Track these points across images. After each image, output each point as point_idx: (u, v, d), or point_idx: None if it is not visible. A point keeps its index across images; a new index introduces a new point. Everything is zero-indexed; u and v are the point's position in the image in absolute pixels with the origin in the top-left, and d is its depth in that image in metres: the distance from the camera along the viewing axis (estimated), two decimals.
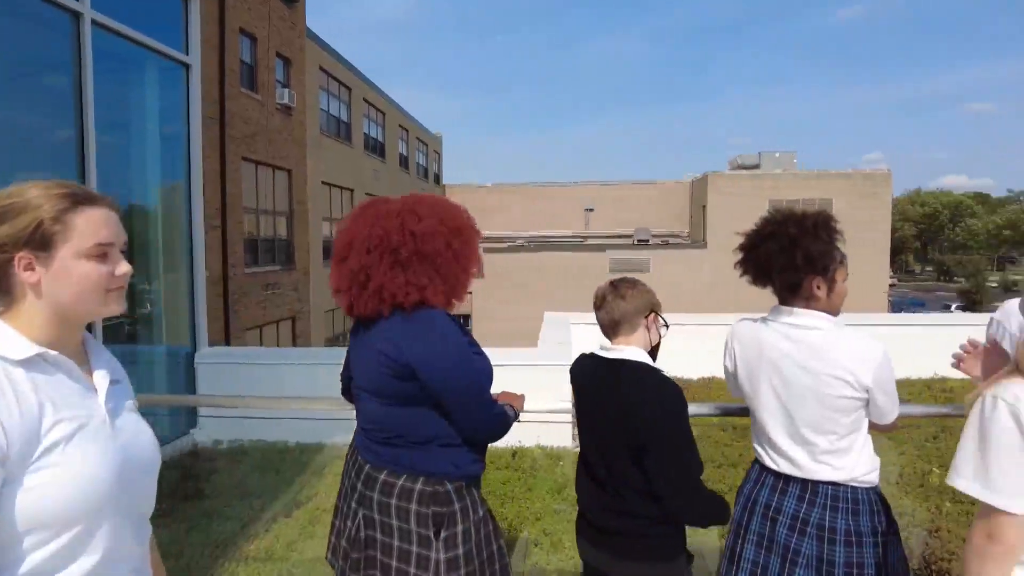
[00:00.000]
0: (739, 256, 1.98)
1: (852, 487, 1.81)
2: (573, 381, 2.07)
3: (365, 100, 22.52)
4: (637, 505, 1.88)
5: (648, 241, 28.19)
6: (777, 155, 30.64)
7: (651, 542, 1.90)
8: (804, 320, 1.86)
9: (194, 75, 6.20)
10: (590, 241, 30.10)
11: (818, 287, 1.85)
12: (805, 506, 1.83)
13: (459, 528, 1.69)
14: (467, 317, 25.19)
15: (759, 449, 1.99)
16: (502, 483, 4.74)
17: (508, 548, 3.78)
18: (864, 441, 1.85)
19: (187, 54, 6.16)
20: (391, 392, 1.69)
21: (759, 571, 1.89)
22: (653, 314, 2.00)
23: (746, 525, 1.95)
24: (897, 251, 61.86)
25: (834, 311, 1.89)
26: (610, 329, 1.98)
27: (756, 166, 30.59)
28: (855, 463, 1.82)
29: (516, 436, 5.82)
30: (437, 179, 34.07)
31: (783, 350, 1.87)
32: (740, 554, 1.94)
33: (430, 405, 1.69)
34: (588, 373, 2.00)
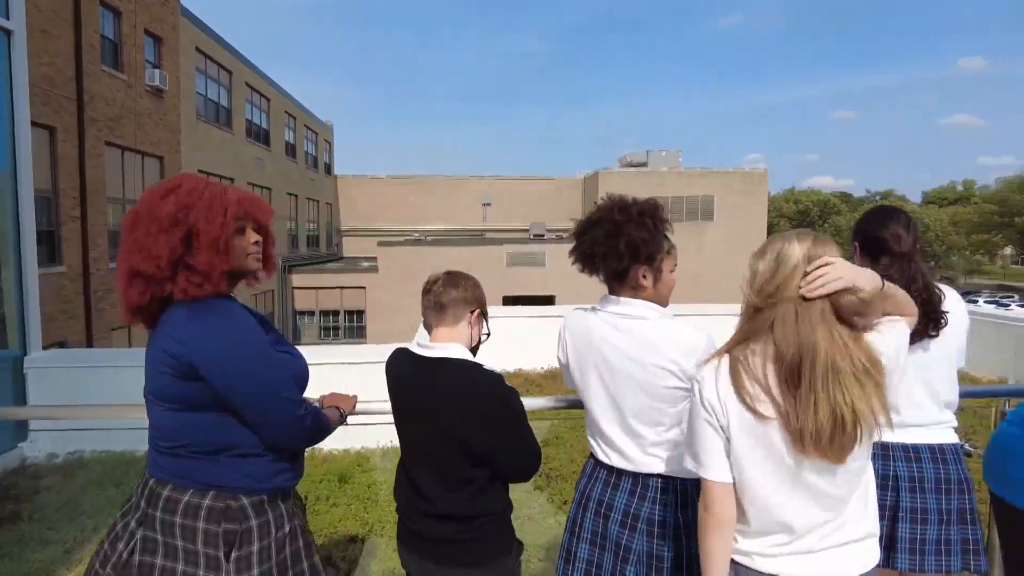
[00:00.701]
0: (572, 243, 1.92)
1: (682, 480, 1.78)
2: (389, 378, 1.92)
3: (247, 84, 21.31)
4: (469, 506, 1.77)
5: (544, 235, 28.56)
6: (664, 154, 31.90)
7: (483, 544, 1.80)
8: (631, 310, 1.83)
9: (18, 42, 5.48)
10: (488, 235, 30.11)
11: (644, 276, 1.82)
12: (636, 501, 1.80)
13: (255, 547, 1.54)
14: (361, 313, 24.53)
15: (592, 443, 1.93)
16: (368, 486, 4.52)
17: (368, 553, 3.61)
18: None
19: (8, 19, 5.44)
20: (173, 395, 1.51)
21: (593, 570, 1.85)
22: (479, 311, 1.90)
23: (580, 523, 1.90)
24: None
25: (662, 301, 1.86)
26: (434, 314, 1.85)
27: (644, 164, 31.72)
28: (683, 455, 1.74)
29: (388, 435, 5.65)
30: (328, 169, 32.88)
31: (611, 340, 1.83)
32: (575, 553, 1.90)
33: (220, 410, 1.52)
34: (407, 372, 1.86)
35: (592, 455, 1.95)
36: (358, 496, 4.22)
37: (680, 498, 1.78)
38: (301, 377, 1.67)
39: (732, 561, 1.48)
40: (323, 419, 1.70)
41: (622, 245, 1.78)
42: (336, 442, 5.32)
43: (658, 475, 1.79)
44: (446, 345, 1.82)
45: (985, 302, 33.96)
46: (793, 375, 1.35)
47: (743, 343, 1.44)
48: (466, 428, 1.72)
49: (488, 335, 1.95)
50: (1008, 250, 67.48)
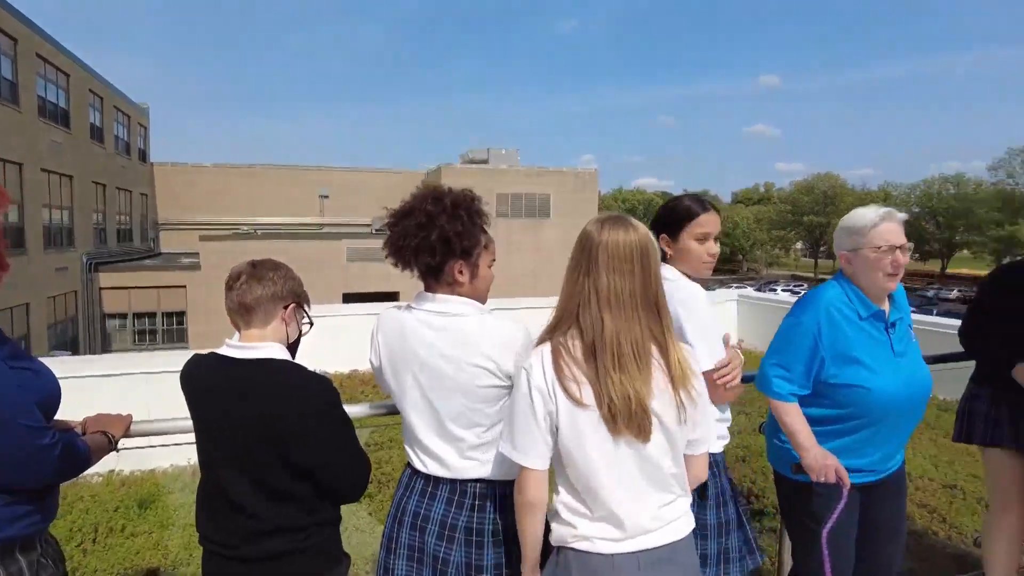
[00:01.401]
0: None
1: (501, 482, 1.72)
2: (189, 389, 1.70)
3: (39, 56, 18.62)
4: (299, 516, 1.62)
5: (386, 230, 28.01)
6: (503, 152, 32.68)
7: (311, 557, 1.65)
8: (447, 307, 1.72)
9: None
10: (326, 229, 28.93)
11: (460, 272, 1.72)
12: (454, 510, 1.72)
13: None
14: (181, 315, 22.52)
15: (409, 451, 1.82)
16: (174, 509, 4.12)
17: None
18: None
19: None
20: None
21: None
22: (294, 305, 1.73)
23: (396, 538, 1.78)
24: None
25: (480, 297, 1.78)
26: (239, 316, 1.68)
27: (485, 161, 32.29)
28: (503, 456, 1.68)
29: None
30: (143, 156, 29.75)
31: (426, 339, 1.72)
32: (392, 571, 1.78)
33: None
34: (213, 378, 1.65)
35: (408, 464, 1.84)
36: (161, 522, 3.83)
37: (500, 502, 1.73)
38: (46, 398, 1.43)
39: (574, 549, 1.51)
40: (78, 448, 1.46)
41: (434, 238, 1.67)
42: (135, 462, 4.79)
43: (477, 480, 1.72)
44: (259, 345, 1.64)
45: (783, 291, 38.58)
46: (593, 356, 1.45)
47: (559, 328, 1.52)
48: (285, 438, 1.56)
49: (311, 325, 1.79)
50: (799, 245, 77.29)
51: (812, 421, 2.06)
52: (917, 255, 59.49)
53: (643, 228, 1.54)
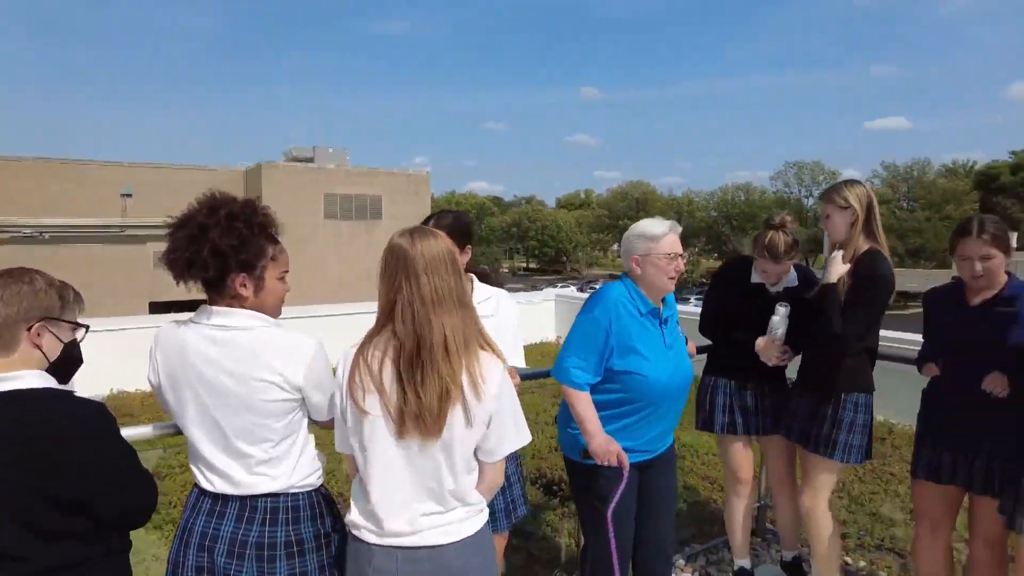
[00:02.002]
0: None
1: (292, 494, 1.72)
2: None
3: None
4: (72, 555, 1.50)
5: None
6: (331, 150, 31.68)
7: None
8: (230, 320, 1.67)
9: None
10: (129, 232, 26.15)
11: (243, 285, 1.68)
12: (244, 526, 1.69)
13: None
14: None
15: (195, 470, 1.76)
16: None
17: None
18: (304, 443, 1.76)
19: None
20: None
21: None
22: (41, 321, 1.51)
23: (183, 562, 1.72)
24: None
25: (268, 310, 1.74)
26: None
27: (311, 159, 31.07)
28: (292, 469, 1.72)
29: None
30: None
31: (208, 355, 1.66)
32: None
33: None
34: None
35: (196, 485, 1.77)
36: None
37: (291, 513, 1.71)
38: None
39: (350, 531, 1.63)
40: None
41: (206, 252, 1.61)
42: None
43: (267, 495, 1.70)
44: (7, 376, 1.46)
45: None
46: (409, 362, 1.51)
47: (378, 334, 1.58)
48: (52, 476, 1.41)
49: (85, 329, 1.64)
50: (615, 247, 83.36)
51: (597, 406, 2.34)
52: (716, 254, 66.81)
53: (444, 235, 1.66)
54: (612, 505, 2.26)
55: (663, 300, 2.48)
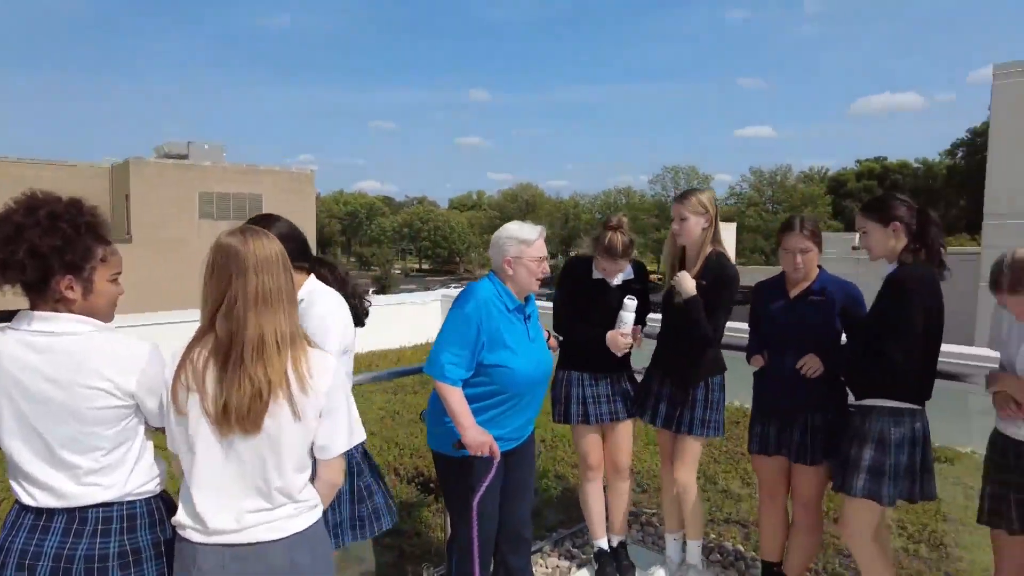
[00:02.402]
0: None
1: (128, 502, 1.66)
2: None
3: None
4: None
5: None
6: (207, 147, 29.99)
7: None
8: (55, 325, 1.60)
9: None
10: None
11: (70, 288, 1.60)
12: (72, 540, 1.60)
13: None
14: None
15: (15, 486, 1.65)
16: None
17: None
18: (141, 449, 1.69)
19: None
20: None
21: None
22: None
23: None
24: (326, 244, 69.50)
25: (98, 314, 1.67)
26: None
27: (185, 156, 29.26)
28: (128, 476, 1.66)
29: None
30: None
31: (27, 363, 1.58)
32: None
33: None
34: None
35: (16, 502, 1.66)
36: None
37: (127, 522, 1.65)
38: None
39: (176, 532, 1.63)
40: None
41: (23, 253, 1.54)
42: None
43: (99, 504, 1.62)
44: None
45: None
46: (225, 360, 1.54)
47: (204, 334, 1.59)
48: None
49: None
50: None
51: (468, 399, 2.44)
52: None
53: (274, 238, 1.68)
54: (480, 493, 2.38)
55: (525, 298, 2.62)
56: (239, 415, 1.52)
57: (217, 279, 1.58)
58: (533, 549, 3.28)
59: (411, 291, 13.01)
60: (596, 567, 3.23)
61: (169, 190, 26.21)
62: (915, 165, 56.46)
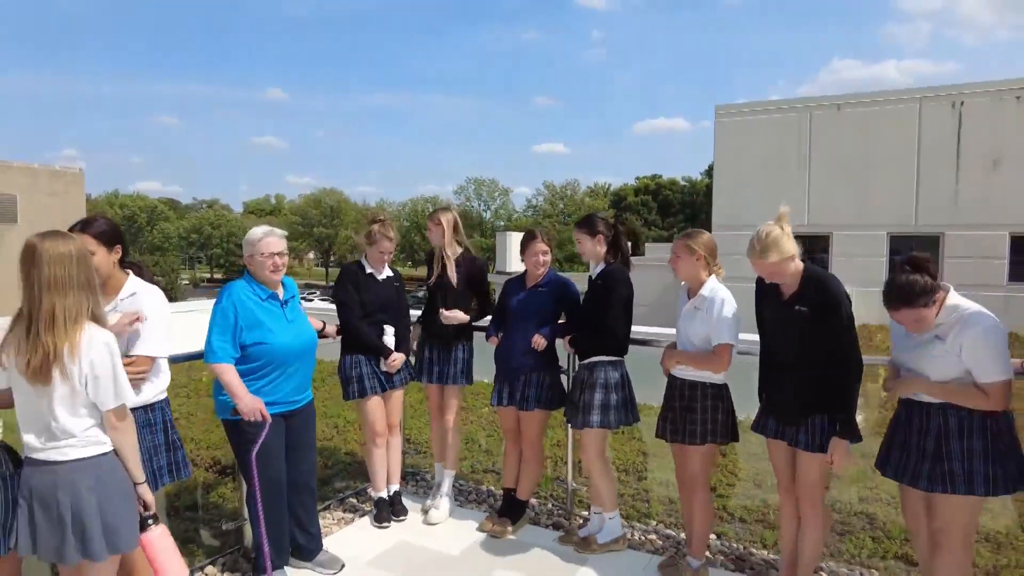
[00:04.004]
0: None
1: None
2: None
3: None
4: None
5: None
6: None
7: None
8: None
9: None
10: None
11: None
12: None
13: None
14: None
15: None
16: None
17: None
18: None
19: None
20: None
21: None
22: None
23: None
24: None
25: None
26: None
27: None
28: None
29: None
30: None
31: None
32: None
33: None
34: None
35: None
36: None
37: None
38: None
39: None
40: None
41: None
42: None
43: None
44: None
45: (319, 299, 40.36)
46: (26, 330, 2.12)
47: (19, 313, 2.17)
48: None
49: None
50: (312, 255, 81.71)
51: (241, 374, 3.01)
52: (410, 262, 69.79)
53: (79, 239, 2.29)
54: (255, 449, 2.96)
55: (284, 286, 3.24)
56: (33, 371, 2.10)
57: (24, 270, 2.15)
58: (321, 507, 3.89)
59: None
60: (375, 512, 3.92)
61: None
62: (682, 183, 64.56)
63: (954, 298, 2.51)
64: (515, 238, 27.66)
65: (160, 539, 2.38)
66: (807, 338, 2.80)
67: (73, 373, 2.12)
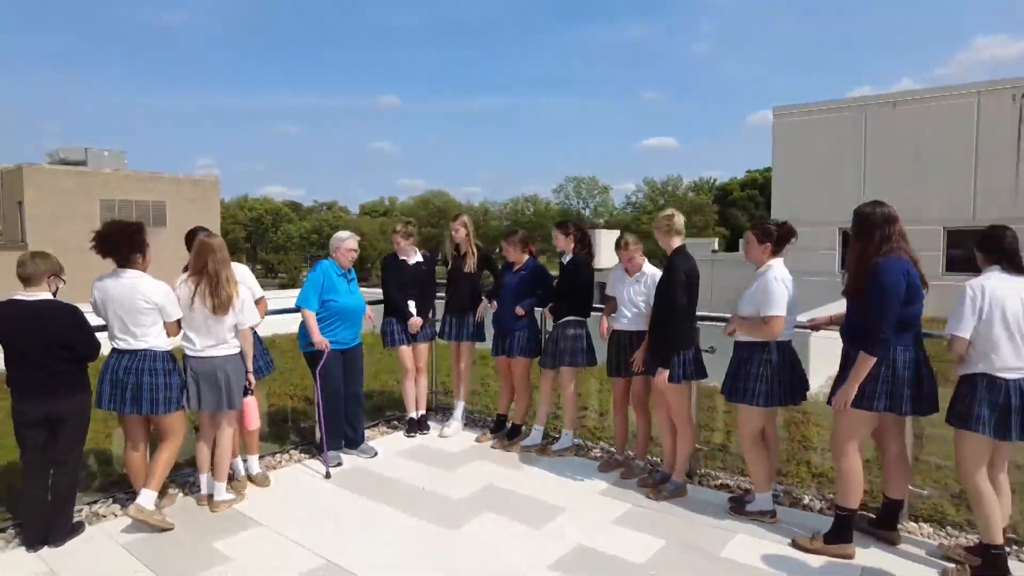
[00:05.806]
0: None
1: (159, 350, 3.73)
2: None
3: None
4: (71, 367, 3.45)
5: None
6: (107, 153, 30.12)
7: None
8: (130, 274, 3.69)
9: None
10: None
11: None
12: (136, 363, 3.63)
13: None
14: None
15: (112, 342, 3.74)
16: None
17: None
18: (160, 329, 3.71)
19: None
20: None
21: None
22: (53, 276, 3.55)
23: (107, 377, 3.69)
24: (232, 251, 68.45)
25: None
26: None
27: (83, 162, 29.31)
28: (156, 339, 3.68)
29: None
30: None
31: (118, 288, 3.66)
32: None
33: None
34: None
35: (113, 348, 3.82)
36: None
37: (159, 358, 3.76)
38: None
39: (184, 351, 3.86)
40: None
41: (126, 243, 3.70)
42: None
43: (146, 349, 3.68)
44: (39, 292, 3.43)
45: None
46: (215, 285, 3.76)
47: (192, 274, 3.86)
48: (63, 331, 3.41)
49: (63, 281, 3.60)
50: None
51: (318, 319, 4.62)
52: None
53: (220, 237, 3.89)
54: (321, 364, 4.56)
55: (349, 271, 4.80)
56: (220, 307, 3.76)
57: (200, 253, 3.80)
58: (369, 423, 5.44)
59: None
60: (407, 428, 5.44)
61: (67, 197, 26.34)
62: None
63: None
64: (605, 235, 28.77)
65: (252, 402, 4.09)
66: None
67: (236, 306, 3.80)
